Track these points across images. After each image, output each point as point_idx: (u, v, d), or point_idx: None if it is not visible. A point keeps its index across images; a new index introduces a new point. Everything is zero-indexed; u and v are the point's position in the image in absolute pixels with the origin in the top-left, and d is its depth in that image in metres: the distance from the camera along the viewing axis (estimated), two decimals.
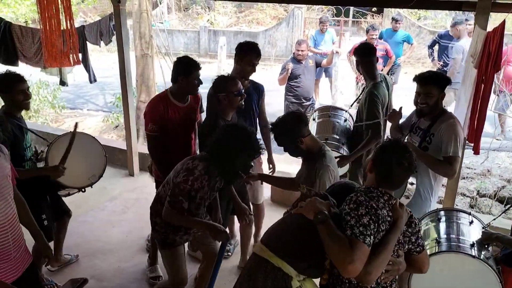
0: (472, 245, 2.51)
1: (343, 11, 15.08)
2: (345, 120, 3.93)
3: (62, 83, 6.17)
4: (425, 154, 2.98)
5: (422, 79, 2.98)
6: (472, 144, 3.53)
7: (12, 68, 3.31)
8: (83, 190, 3.55)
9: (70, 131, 3.42)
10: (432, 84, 2.95)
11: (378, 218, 1.86)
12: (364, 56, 3.67)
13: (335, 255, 1.83)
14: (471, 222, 2.79)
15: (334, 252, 1.83)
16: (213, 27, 16.58)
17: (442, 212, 2.93)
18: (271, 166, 3.92)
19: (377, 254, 1.85)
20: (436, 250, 2.55)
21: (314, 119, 3.94)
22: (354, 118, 3.97)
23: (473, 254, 2.45)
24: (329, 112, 3.94)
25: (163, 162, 3.28)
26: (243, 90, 3.21)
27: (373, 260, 1.84)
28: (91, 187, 3.57)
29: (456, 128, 2.96)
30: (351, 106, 4.35)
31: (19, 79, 3.05)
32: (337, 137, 3.70)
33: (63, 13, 4.39)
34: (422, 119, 3.11)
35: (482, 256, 2.46)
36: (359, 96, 4.17)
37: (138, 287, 3.61)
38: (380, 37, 8.12)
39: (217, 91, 3.14)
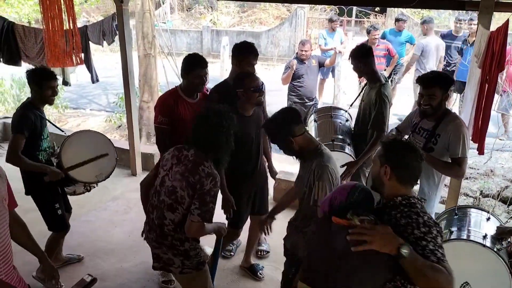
0: (485, 236, 2.55)
1: (346, 11, 15.08)
2: (347, 120, 3.93)
3: (65, 83, 6.18)
4: (434, 159, 2.97)
5: (425, 81, 2.97)
6: (476, 145, 3.52)
7: (14, 68, 3.40)
8: (88, 189, 3.62)
9: (88, 130, 3.64)
10: (435, 86, 2.93)
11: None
12: (363, 57, 3.63)
13: (440, 285, 1.68)
14: (488, 219, 2.84)
15: (439, 282, 1.68)
16: (216, 27, 16.60)
17: (460, 209, 3.00)
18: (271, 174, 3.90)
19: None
20: (448, 238, 2.60)
21: (315, 120, 3.91)
22: (354, 118, 3.97)
23: (484, 243, 2.49)
24: (330, 112, 3.94)
25: None
26: (263, 87, 3.21)
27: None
28: (96, 185, 3.63)
29: (463, 129, 2.96)
30: (351, 105, 4.31)
31: (53, 76, 3.29)
32: (342, 137, 3.69)
33: (66, 13, 4.40)
34: (425, 119, 3.09)
35: (494, 248, 2.49)
36: (358, 95, 4.13)
37: (141, 287, 3.60)
38: (383, 37, 8.10)
39: (235, 87, 3.16)
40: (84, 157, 3.46)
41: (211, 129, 2.49)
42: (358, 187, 1.99)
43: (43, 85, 3.21)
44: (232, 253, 3.95)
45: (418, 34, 9.92)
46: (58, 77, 6.29)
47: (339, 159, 3.55)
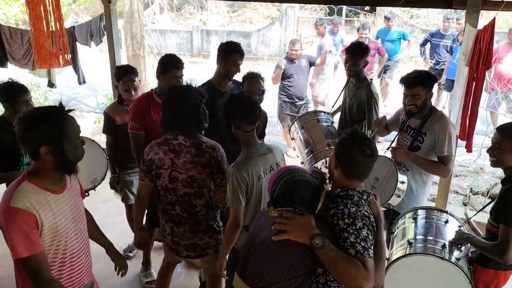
0: (444, 246, 2.50)
1: (335, 11, 15.12)
2: (332, 122, 3.93)
3: (51, 84, 6.12)
4: (419, 158, 2.99)
5: (408, 81, 2.98)
6: (465, 142, 3.55)
7: (1, 70, 3.32)
8: (87, 194, 3.54)
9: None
10: (418, 86, 2.95)
11: (372, 226, 1.82)
12: (364, 54, 3.65)
13: (352, 279, 1.69)
14: (446, 222, 2.76)
15: (350, 276, 1.69)
16: (206, 27, 16.54)
17: (419, 211, 2.90)
18: None
19: (379, 259, 1.85)
20: (407, 252, 2.53)
21: (302, 127, 3.80)
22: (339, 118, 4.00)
23: (442, 256, 2.43)
24: (316, 117, 3.85)
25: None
26: (261, 91, 3.26)
27: (379, 265, 1.83)
28: (94, 190, 3.58)
29: (449, 127, 2.98)
30: (333, 106, 4.27)
31: (24, 90, 3.07)
32: (336, 140, 3.67)
33: (52, 13, 4.35)
34: (412, 118, 3.11)
35: (452, 257, 2.44)
36: (339, 96, 4.12)
37: None
38: (378, 37, 8.15)
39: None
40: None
41: (186, 107, 2.51)
42: (282, 177, 1.94)
43: (15, 101, 3.00)
44: None
45: (408, 32, 9.95)
46: (43, 78, 6.26)
47: None
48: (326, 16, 15.20)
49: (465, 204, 5.10)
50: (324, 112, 3.97)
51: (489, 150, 2.50)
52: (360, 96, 3.66)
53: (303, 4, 14.42)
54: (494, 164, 2.52)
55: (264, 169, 2.54)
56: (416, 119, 3.08)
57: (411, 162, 3.04)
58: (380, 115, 3.62)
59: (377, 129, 3.50)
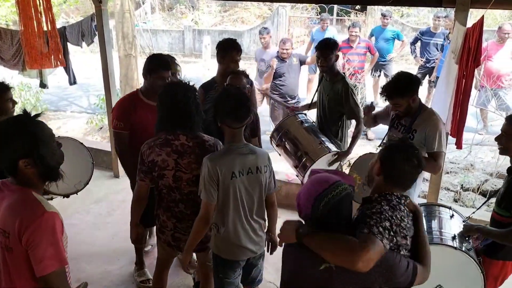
0: (454, 238, 2.55)
1: (327, 10, 15.17)
2: (313, 122, 3.93)
3: (42, 85, 6.09)
4: None
5: (386, 94, 3.01)
6: (455, 139, 3.59)
7: None
8: (68, 196, 3.50)
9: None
10: (395, 96, 2.98)
11: (400, 230, 1.73)
12: (334, 49, 3.70)
13: (343, 252, 1.61)
14: (451, 216, 2.82)
15: (341, 249, 1.62)
16: (198, 27, 16.53)
17: (422, 208, 2.95)
18: None
19: (424, 253, 1.85)
20: None
21: (287, 132, 3.73)
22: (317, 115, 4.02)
23: (455, 246, 2.48)
24: (299, 119, 3.81)
25: (128, 163, 3.19)
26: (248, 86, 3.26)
27: (425, 260, 1.83)
28: (76, 194, 3.51)
29: (439, 124, 3.01)
30: (310, 105, 4.26)
31: (7, 88, 3.03)
32: (324, 138, 3.69)
33: (43, 14, 4.33)
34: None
35: (463, 248, 2.49)
36: (315, 92, 4.11)
37: None
38: (372, 35, 8.18)
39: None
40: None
41: (183, 106, 2.51)
42: (327, 193, 1.70)
43: (0, 99, 2.96)
44: None
45: (400, 30, 10.01)
46: (34, 79, 6.23)
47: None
48: (317, 15, 15.25)
49: (455, 201, 5.15)
50: (301, 113, 3.98)
51: (497, 138, 2.59)
52: (336, 90, 3.70)
53: (294, 4, 14.45)
54: (501, 151, 2.63)
55: (241, 169, 2.44)
56: (407, 117, 3.11)
57: None
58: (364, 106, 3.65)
59: (366, 114, 3.54)
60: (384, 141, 3.36)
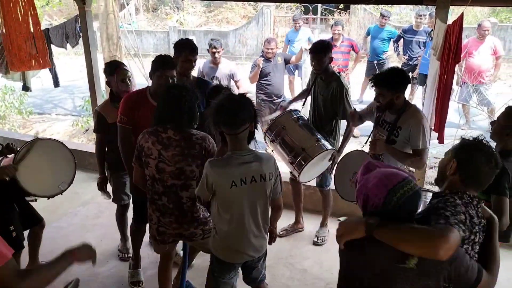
0: None
1: (311, 9, 15.26)
2: (308, 119, 3.98)
3: (26, 88, 6.02)
4: (396, 150, 3.08)
5: (374, 80, 3.08)
6: (437, 134, 3.66)
7: None
8: (53, 197, 3.47)
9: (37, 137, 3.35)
10: (383, 86, 3.04)
11: (471, 225, 1.72)
12: (328, 51, 3.74)
13: (423, 241, 1.56)
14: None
15: (420, 238, 1.57)
16: (183, 27, 16.49)
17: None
18: None
19: (492, 261, 1.79)
20: None
21: (283, 128, 3.72)
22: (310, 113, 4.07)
23: None
24: (294, 116, 3.82)
25: (130, 157, 3.05)
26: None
27: (493, 267, 1.78)
28: (62, 194, 3.50)
29: (423, 121, 3.07)
30: (304, 103, 4.29)
31: None
32: (319, 136, 3.71)
33: (29, 16, 4.29)
34: (388, 112, 3.20)
35: None
36: (309, 92, 4.13)
37: None
38: (368, 34, 8.25)
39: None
40: (41, 170, 3.29)
41: (178, 103, 2.59)
42: (402, 187, 1.65)
43: None
44: None
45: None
46: (18, 82, 6.15)
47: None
48: (301, 14, 15.31)
49: None
50: (295, 110, 4.02)
51: (491, 123, 2.73)
52: (331, 89, 3.74)
53: (278, 3, 14.51)
54: (490, 135, 2.73)
55: (243, 177, 2.37)
56: (392, 114, 3.17)
57: (388, 155, 3.13)
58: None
59: (352, 121, 3.64)
60: (370, 139, 3.40)
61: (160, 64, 3.11)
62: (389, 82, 3.03)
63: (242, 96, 2.47)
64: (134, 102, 3.18)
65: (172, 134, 2.63)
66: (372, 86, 3.13)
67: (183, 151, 2.61)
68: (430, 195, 2.91)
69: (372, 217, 1.65)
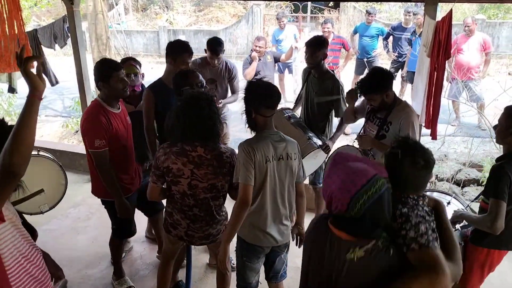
0: None
1: (300, 7, 15.28)
2: (300, 118, 3.98)
3: (11, 90, 5.95)
4: (384, 145, 3.09)
5: (360, 90, 3.13)
6: (430, 131, 3.67)
7: None
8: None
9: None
10: (370, 93, 3.08)
11: (431, 225, 1.64)
12: (322, 47, 3.75)
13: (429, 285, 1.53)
14: (448, 203, 2.98)
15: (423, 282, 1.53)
16: (173, 27, 16.45)
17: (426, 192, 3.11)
18: None
19: (451, 248, 1.68)
20: None
21: (275, 127, 3.78)
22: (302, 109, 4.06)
23: None
24: (286, 114, 3.84)
25: (114, 181, 3.07)
26: (204, 83, 3.22)
27: (454, 255, 1.67)
28: (42, 214, 3.44)
29: (413, 116, 3.09)
30: (296, 103, 4.28)
31: None
32: (311, 133, 3.72)
33: (14, 17, 4.22)
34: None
35: None
36: (302, 90, 4.13)
37: None
38: (356, 32, 8.25)
39: (179, 86, 3.04)
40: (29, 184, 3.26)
41: (208, 119, 2.53)
42: (367, 189, 1.52)
43: None
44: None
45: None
46: (5, 84, 6.07)
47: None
48: (291, 13, 15.34)
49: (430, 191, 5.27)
50: (287, 108, 4.02)
51: (494, 127, 2.69)
52: (327, 87, 3.74)
53: (268, 2, 14.51)
54: (497, 140, 2.72)
55: (274, 154, 2.51)
56: (382, 110, 3.18)
57: (377, 150, 3.15)
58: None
59: (348, 108, 3.60)
60: (360, 133, 3.42)
61: (114, 67, 3.01)
62: (375, 86, 3.06)
63: (267, 81, 2.66)
64: (104, 118, 2.99)
65: (203, 152, 2.57)
66: (360, 96, 3.18)
67: (216, 170, 2.59)
68: (447, 197, 2.99)
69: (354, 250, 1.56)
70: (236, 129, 5.27)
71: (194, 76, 3.11)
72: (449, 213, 2.81)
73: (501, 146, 2.69)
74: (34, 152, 3.30)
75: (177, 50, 3.44)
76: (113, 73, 2.97)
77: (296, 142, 2.65)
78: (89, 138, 2.97)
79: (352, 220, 1.55)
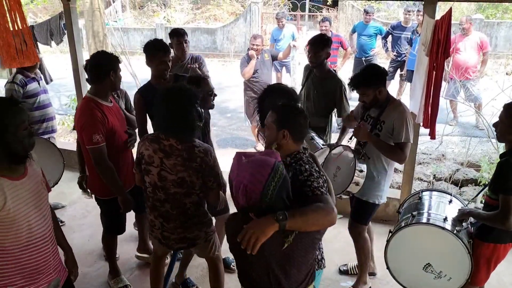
0: (445, 219, 2.69)
1: (299, 6, 15.25)
2: None
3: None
4: (379, 141, 3.07)
5: (352, 84, 3.11)
6: (428, 130, 3.66)
7: None
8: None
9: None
10: (362, 86, 3.07)
11: (322, 176, 2.05)
12: (325, 46, 3.73)
13: (325, 218, 1.82)
14: (450, 201, 2.99)
15: (322, 217, 1.81)
16: (170, 24, 16.37)
17: (425, 192, 3.16)
18: None
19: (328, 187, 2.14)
20: (409, 222, 2.76)
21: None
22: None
23: (443, 226, 2.63)
24: None
25: (115, 176, 3.04)
26: (214, 90, 3.24)
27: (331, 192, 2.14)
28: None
29: (406, 115, 3.06)
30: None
31: None
32: (313, 133, 3.69)
33: (16, 12, 4.19)
34: (372, 107, 3.20)
35: (453, 230, 2.63)
36: (302, 88, 4.11)
37: None
38: (354, 31, 8.24)
39: None
40: None
41: (181, 112, 2.50)
42: (274, 176, 1.71)
43: None
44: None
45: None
46: (5, 80, 6.01)
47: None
48: (289, 11, 15.31)
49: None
50: None
51: (494, 125, 2.68)
52: (329, 87, 3.72)
53: (266, 0, 14.48)
54: (498, 138, 2.72)
55: None
56: (375, 108, 3.17)
57: (371, 150, 3.12)
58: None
59: (347, 123, 3.61)
60: (360, 123, 3.40)
61: (113, 62, 3.10)
62: (367, 80, 3.05)
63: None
64: (100, 113, 2.98)
65: (174, 142, 2.55)
66: (352, 90, 3.15)
67: (184, 162, 2.53)
68: (448, 196, 2.99)
69: (279, 213, 1.69)
70: (235, 127, 5.23)
71: (205, 83, 3.12)
72: (454, 212, 2.83)
73: (500, 145, 2.69)
74: None
75: (151, 50, 3.38)
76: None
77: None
78: (86, 133, 2.93)
79: (266, 208, 1.72)
